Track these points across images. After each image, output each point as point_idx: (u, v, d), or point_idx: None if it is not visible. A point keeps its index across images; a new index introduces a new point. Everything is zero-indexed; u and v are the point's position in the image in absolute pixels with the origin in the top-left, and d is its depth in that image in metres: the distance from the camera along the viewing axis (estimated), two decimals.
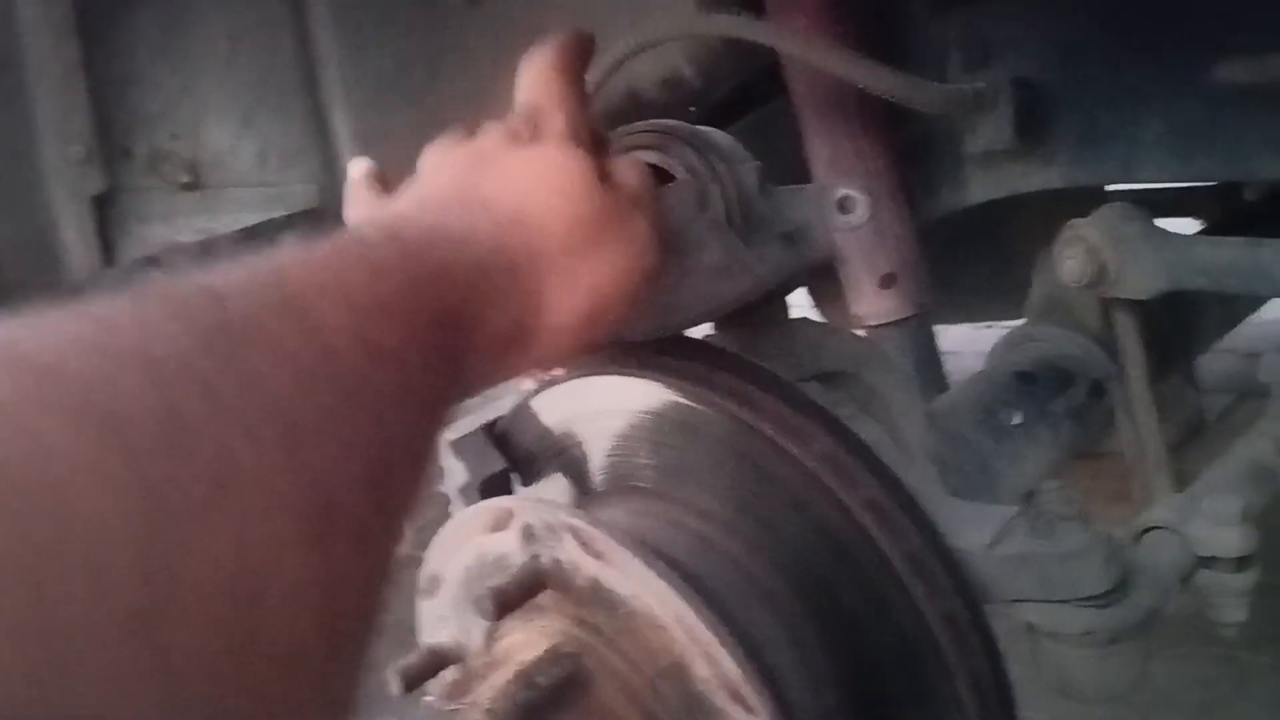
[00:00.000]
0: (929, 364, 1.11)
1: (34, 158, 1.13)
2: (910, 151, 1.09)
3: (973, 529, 0.68)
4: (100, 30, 1.12)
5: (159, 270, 1.19)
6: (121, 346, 0.29)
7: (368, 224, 0.49)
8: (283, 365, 0.33)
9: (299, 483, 0.31)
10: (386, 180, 0.67)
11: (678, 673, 0.63)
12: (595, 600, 0.67)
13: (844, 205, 0.78)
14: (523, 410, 0.83)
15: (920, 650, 0.64)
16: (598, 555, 0.67)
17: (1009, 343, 1.05)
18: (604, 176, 0.56)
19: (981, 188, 1.08)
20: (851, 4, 1.03)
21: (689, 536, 0.74)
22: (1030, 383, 1.00)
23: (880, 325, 1.10)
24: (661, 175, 0.75)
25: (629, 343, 0.74)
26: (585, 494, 0.82)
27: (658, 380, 0.73)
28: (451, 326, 0.44)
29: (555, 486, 0.84)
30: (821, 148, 1.06)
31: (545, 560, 0.69)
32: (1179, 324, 1.05)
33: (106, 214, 1.21)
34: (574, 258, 0.52)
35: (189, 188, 1.25)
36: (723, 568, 0.71)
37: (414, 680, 0.70)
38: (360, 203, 0.66)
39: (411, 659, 0.71)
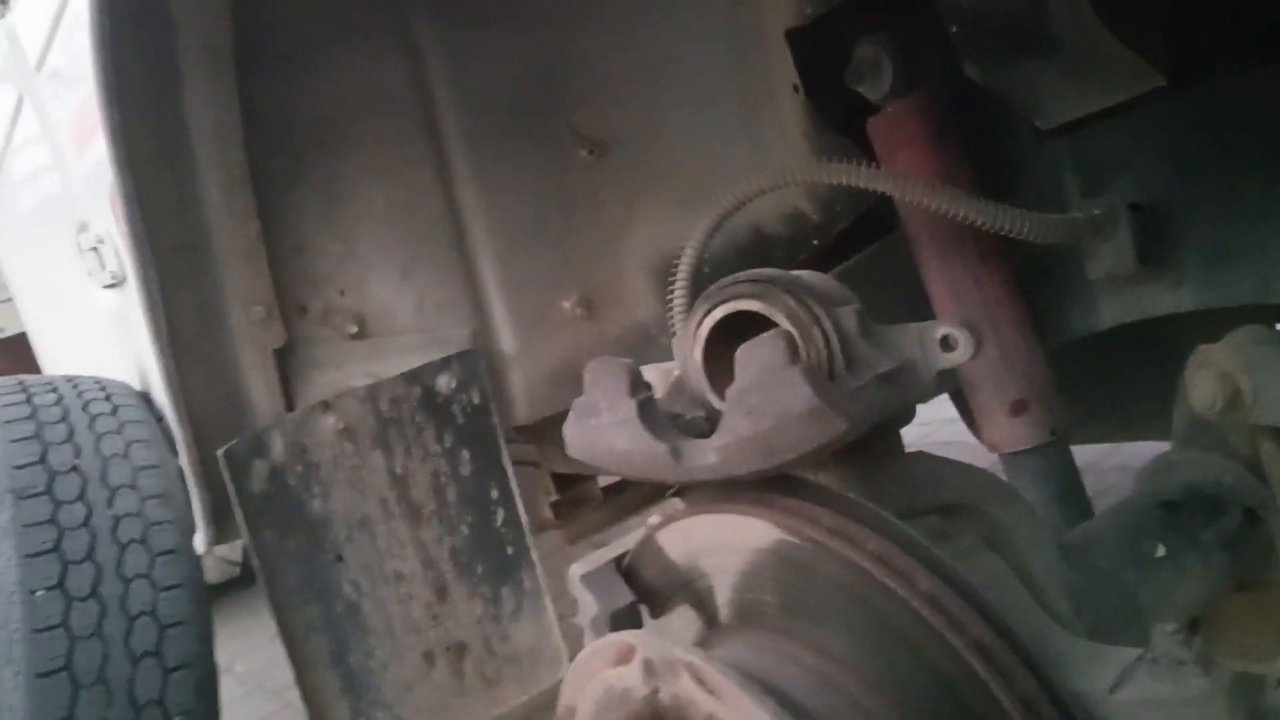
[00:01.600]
0: (1068, 490, 1.08)
1: (223, 320, 1.28)
2: (1037, 276, 1.09)
3: (1093, 672, 0.66)
4: (274, 207, 1.27)
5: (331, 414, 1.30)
6: None
7: None
8: None
9: None
10: None
11: None
12: None
13: (947, 343, 0.80)
14: (649, 545, 0.87)
15: None
16: (712, 692, 0.69)
17: (1153, 470, 1.02)
18: None
19: (1111, 312, 1.06)
20: (961, 139, 1.06)
21: (807, 673, 0.74)
22: (1176, 512, 0.96)
23: (1015, 452, 1.09)
24: (761, 322, 0.79)
25: (740, 482, 0.78)
26: (711, 627, 0.85)
27: (767, 519, 0.75)
28: None
29: (682, 619, 0.87)
30: (939, 279, 1.07)
31: (665, 696, 0.72)
32: None
33: (286, 364, 1.34)
34: None
35: (357, 337, 1.37)
36: (839, 706, 0.72)
37: None
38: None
39: None
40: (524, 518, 1.46)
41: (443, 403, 1.41)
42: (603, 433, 0.81)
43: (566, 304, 1.47)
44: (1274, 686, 0.72)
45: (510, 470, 1.44)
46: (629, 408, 0.79)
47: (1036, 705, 0.64)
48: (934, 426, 2.79)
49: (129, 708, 1.57)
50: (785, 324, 0.80)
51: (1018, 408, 1.03)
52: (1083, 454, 1.20)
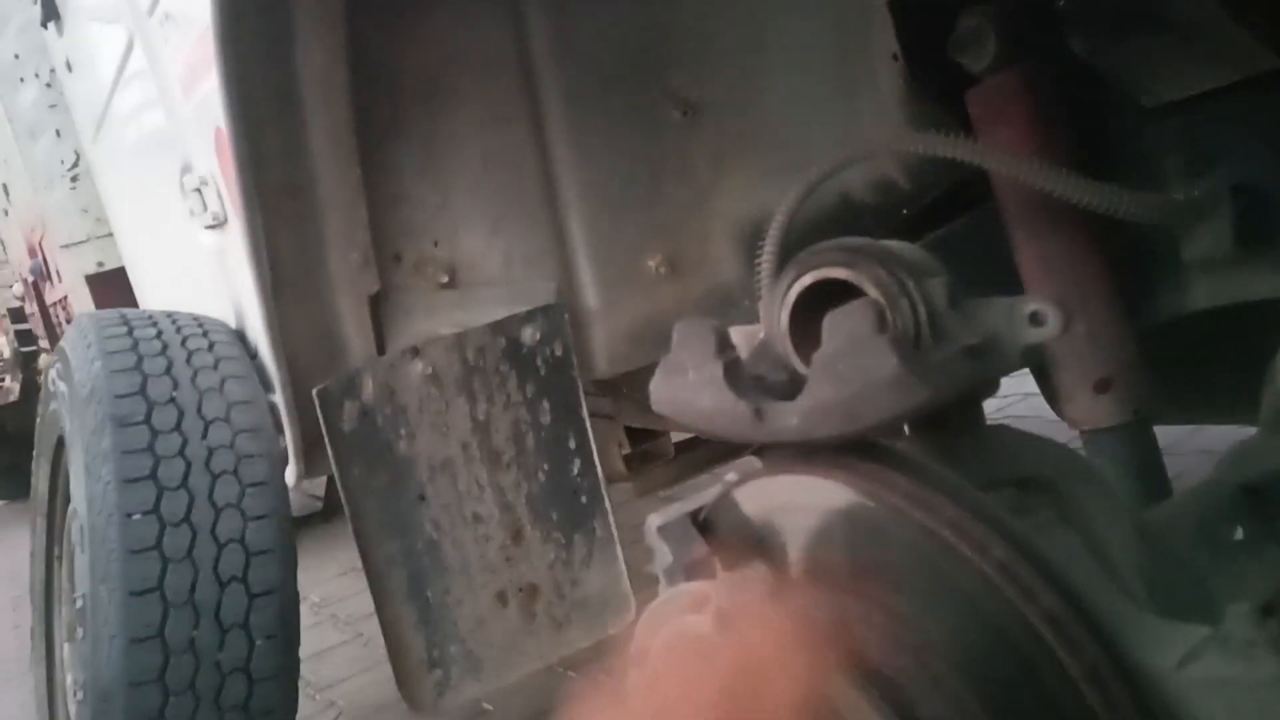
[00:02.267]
0: (1148, 470, 1.08)
1: (323, 264, 1.33)
2: (1129, 256, 1.08)
3: (1161, 647, 0.67)
4: (375, 156, 1.31)
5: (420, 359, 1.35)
6: None
7: None
8: None
9: None
10: None
11: None
12: None
13: (1036, 319, 0.81)
14: (726, 501, 0.89)
15: None
16: None
17: (1237, 454, 1.01)
18: None
19: (1204, 294, 1.05)
20: (1060, 115, 1.05)
21: (875, 632, 0.77)
22: (1257, 497, 0.95)
23: (1096, 430, 1.09)
24: (849, 291, 0.81)
25: (820, 444, 0.79)
26: (783, 583, 0.87)
27: (844, 482, 0.77)
28: None
29: (754, 574, 0.89)
30: (1030, 253, 1.07)
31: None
32: None
33: (379, 310, 1.39)
34: None
35: (447, 286, 1.42)
36: (906, 665, 0.74)
37: None
38: None
39: None
40: (599, 468, 1.50)
41: (526, 353, 1.44)
42: (688, 391, 0.83)
43: (651, 263, 1.49)
44: None
45: (588, 421, 1.48)
46: (715, 368, 0.82)
47: (1103, 678, 0.65)
48: (1013, 400, 2.77)
49: (215, 628, 1.66)
50: (874, 293, 0.81)
51: (1102, 385, 1.03)
52: (1165, 435, 1.20)
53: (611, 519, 1.51)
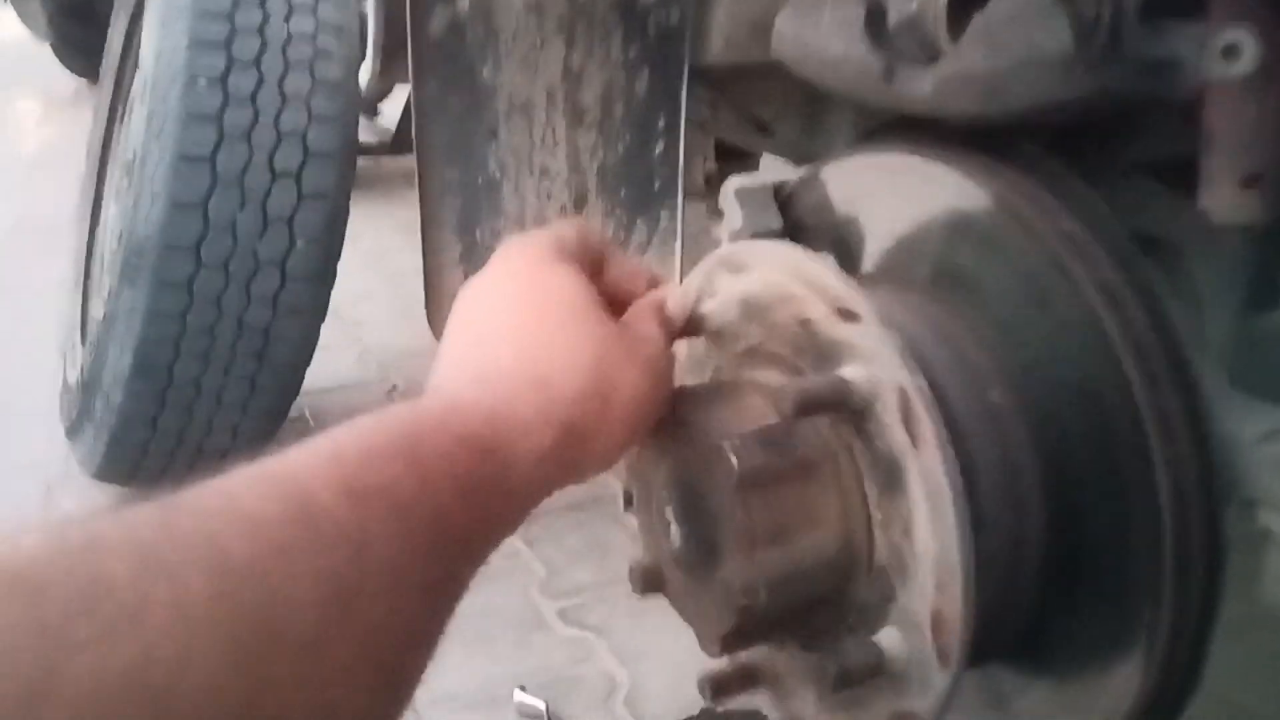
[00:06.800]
0: (1271, 278, 0.98)
1: None
2: None
3: (1244, 421, 0.61)
4: None
5: None
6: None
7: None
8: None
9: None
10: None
11: None
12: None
13: (1229, 52, 0.69)
14: (813, 181, 0.82)
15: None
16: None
17: None
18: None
19: None
20: None
21: (938, 338, 0.70)
22: None
23: (1227, 226, 0.98)
24: None
25: (951, 123, 0.70)
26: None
27: (956, 170, 0.69)
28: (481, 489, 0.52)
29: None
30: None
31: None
32: None
33: None
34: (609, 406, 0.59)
35: None
36: (960, 389, 0.68)
37: None
38: None
39: None
40: (682, 158, 1.41)
41: (640, 11, 1.33)
42: (819, 30, 0.74)
43: None
44: None
45: (684, 104, 1.38)
46: (856, 10, 0.72)
47: (1177, 436, 0.59)
48: None
49: (259, 216, 1.63)
50: None
51: (1251, 180, 0.91)
52: None
53: (680, 214, 1.44)
